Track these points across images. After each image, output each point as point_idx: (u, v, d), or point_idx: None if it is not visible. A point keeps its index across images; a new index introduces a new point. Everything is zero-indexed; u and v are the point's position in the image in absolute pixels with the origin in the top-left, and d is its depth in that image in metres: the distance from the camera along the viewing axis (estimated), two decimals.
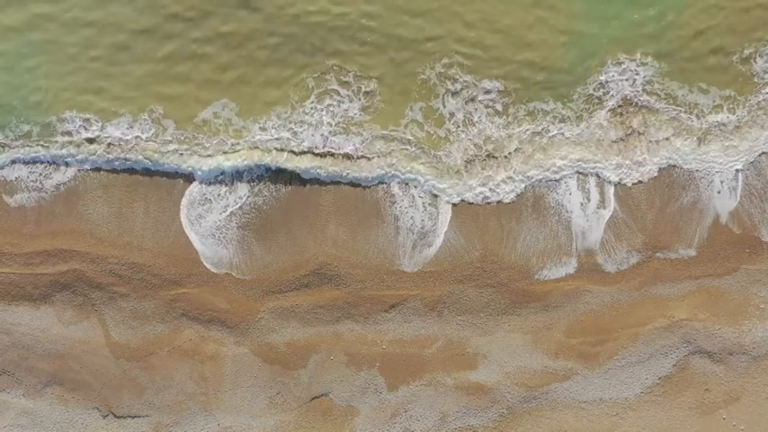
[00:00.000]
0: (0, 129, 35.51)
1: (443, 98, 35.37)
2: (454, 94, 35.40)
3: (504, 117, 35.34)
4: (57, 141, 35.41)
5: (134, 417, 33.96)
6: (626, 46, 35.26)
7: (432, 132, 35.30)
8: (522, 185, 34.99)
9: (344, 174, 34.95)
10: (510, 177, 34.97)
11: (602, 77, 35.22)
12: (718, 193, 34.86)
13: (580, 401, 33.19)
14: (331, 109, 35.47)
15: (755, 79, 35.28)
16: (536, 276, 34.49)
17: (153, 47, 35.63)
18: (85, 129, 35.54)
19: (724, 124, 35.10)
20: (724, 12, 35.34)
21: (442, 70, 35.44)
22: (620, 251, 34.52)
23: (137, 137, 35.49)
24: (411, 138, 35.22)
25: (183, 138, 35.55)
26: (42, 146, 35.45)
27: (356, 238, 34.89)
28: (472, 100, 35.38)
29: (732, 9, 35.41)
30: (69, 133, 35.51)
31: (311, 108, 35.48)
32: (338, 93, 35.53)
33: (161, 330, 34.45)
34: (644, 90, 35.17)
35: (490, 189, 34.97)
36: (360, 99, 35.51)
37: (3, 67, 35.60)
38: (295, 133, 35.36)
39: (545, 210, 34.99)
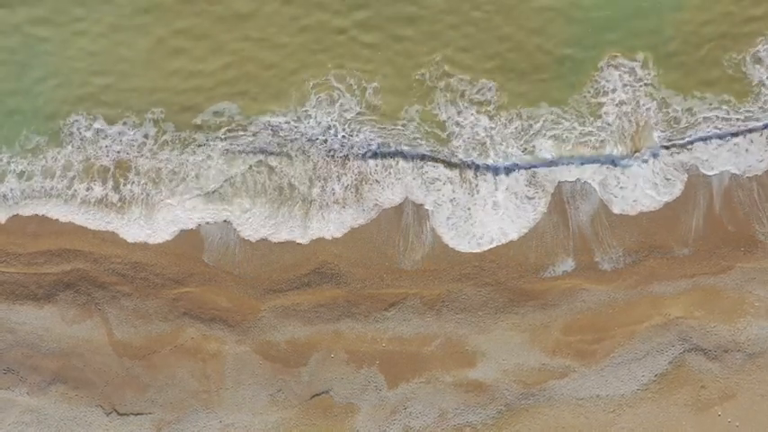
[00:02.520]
0: (10, 143, 36.01)
1: (438, 98, 35.75)
2: (449, 91, 35.79)
3: (497, 118, 35.73)
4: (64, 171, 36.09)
5: (137, 414, 34.24)
6: (623, 50, 35.70)
7: (436, 132, 35.72)
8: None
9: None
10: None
11: (600, 83, 35.62)
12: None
13: (577, 398, 33.44)
14: (331, 106, 35.91)
15: (753, 86, 35.56)
16: (534, 275, 34.81)
17: (157, 54, 36.27)
18: (90, 129, 36.12)
19: (726, 119, 35.40)
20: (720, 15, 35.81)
21: (436, 70, 35.91)
22: (616, 249, 34.86)
23: (141, 144, 35.98)
24: (417, 134, 35.68)
25: (180, 138, 35.95)
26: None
27: (356, 237, 35.26)
28: (462, 95, 35.74)
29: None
30: (77, 134, 36.07)
31: (312, 105, 35.94)
32: (340, 91, 35.95)
33: (163, 329, 34.77)
34: (644, 93, 35.53)
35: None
36: (361, 98, 35.91)
37: (13, 77, 36.20)
38: (299, 119, 35.80)
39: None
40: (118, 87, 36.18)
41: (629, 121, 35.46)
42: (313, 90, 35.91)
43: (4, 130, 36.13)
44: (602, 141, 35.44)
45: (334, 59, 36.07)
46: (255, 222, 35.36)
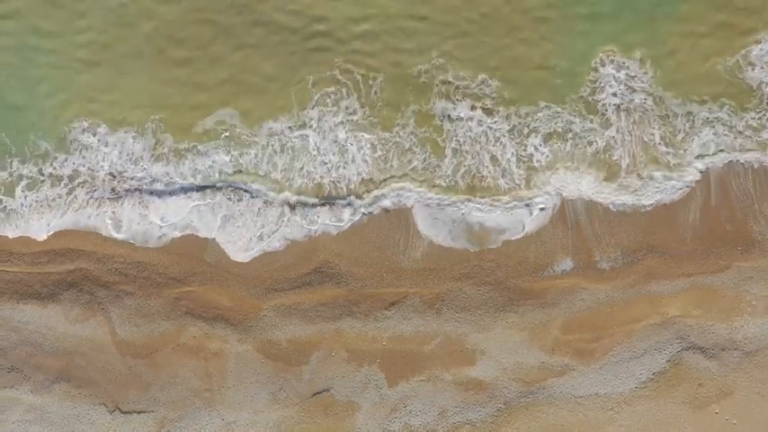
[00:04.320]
0: (19, 147, 36.42)
1: (436, 96, 36.02)
2: (445, 88, 36.07)
3: (495, 114, 36.02)
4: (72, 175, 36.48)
5: (140, 412, 34.49)
6: (621, 49, 35.99)
7: (433, 138, 35.98)
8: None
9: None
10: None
11: (597, 83, 35.87)
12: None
13: (576, 396, 33.66)
14: (333, 107, 36.19)
15: (754, 90, 35.74)
16: (533, 274, 35.02)
17: (158, 62, 36.64)
18: (94, 135, 36.52)
19: (727, 124, 35.58)
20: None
21: (435, 63, 36.21)
22: (614, 249, 35.05)
23: (139, 156, 36.31)
24: (414, 139, 35.91)
25: (178, 150, 36.23)
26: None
27: (356, 236, 35.51)
28: (459, 92, 35.99)
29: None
30: (82, 143, 36.46)
31: (314, 107, 36.22)
32: (347, 87, 36.25)
33: (166, 328, 35.03)
34: (640, 89, 35.75)
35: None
36: (366, 97, 36.20)
37: (17, 81, 36.65)
38: (303, 125, 36.07)
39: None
40: (120, 95, 36.54)
41: (629, 114, 35.68)
42: (314, 88, 36.17)
43: (12, 133, 36.51)
44: (606, 151, 35.70)
45: (337, 59, 36.39)
46: (247, 238, 35.75)
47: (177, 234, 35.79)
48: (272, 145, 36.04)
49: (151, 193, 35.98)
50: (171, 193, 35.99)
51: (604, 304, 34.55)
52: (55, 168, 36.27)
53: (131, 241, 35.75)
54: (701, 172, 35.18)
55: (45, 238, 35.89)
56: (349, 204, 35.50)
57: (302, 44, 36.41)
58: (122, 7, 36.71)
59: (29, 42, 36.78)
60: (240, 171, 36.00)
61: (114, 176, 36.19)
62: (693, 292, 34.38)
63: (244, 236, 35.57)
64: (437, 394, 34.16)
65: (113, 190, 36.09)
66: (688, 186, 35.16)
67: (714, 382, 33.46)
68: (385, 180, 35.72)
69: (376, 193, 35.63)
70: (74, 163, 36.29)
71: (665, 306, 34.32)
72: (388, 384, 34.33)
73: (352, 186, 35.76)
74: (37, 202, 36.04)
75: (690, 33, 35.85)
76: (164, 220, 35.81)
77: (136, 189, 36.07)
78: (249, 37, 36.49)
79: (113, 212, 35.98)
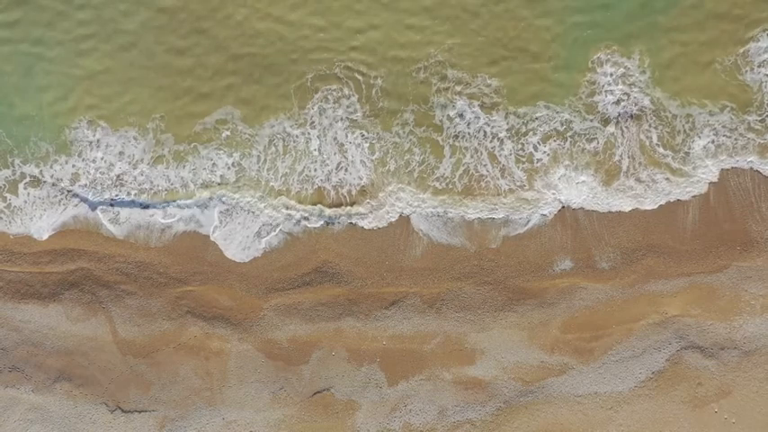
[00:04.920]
0: (20, 148, 36.52)
1: (435, 95, 36.12)
2: (445, 87, 36.18)
3: (494, 114, 36.10)
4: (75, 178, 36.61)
5: (141, 411, 34.63)
6: (620, 51, 36.07)
7: (432, 138, 36.06)
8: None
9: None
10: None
11: (595, 84, 35.93)
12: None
13: (575, 395, 33.78)
14: (334, 104, 36.28)
15: (753, 92, 35.79)
16: (533, 273, 35.11)
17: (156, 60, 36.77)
18: (94, 136, 36.62)
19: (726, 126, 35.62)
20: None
21: (434, 63, 36.31)
22: (614, 248, 35.13)
23: (139, 159, 36.43)
24: (413, 138, 36.01)
25: (178, 152, 36.33)
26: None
27: (357, 236, 35.61)
28: (458, 91, 36.08)
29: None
30: (80, 143, 36.60)
31: (314, 107, 36.30)
32: (349, 86, 36.33)
33: (167, 327, 35.15)
34: (638, 90, 35.81)
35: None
36: (368, 95, 36.28)
37: (19, 87, 36.81)
38: (304, 123, 36.17)
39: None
40: (121, 99, 36.63)
41: (627, 116, 35.74)
42: (314, 86, 36.24)
43: (14, 135, 36.62)
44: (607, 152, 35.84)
45: (337, 58, 36.51)
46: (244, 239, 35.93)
47: (181, 227, 35.86)
48: (275, 144, 36.11)
49: (148, 206, 36.11)
50: (169, 203, 36.11)
51: (604, 303, 34.64)
52: (56, 170, 36.40)
53: (132, 241, 35.89)
54: (710, 183, 35.22)
55: (46, 237, 36.01)
56: (351, 221, 35.63)
57: (303, 53, 36.55)
58: (124, 16, 36.77)
59: (31, 51, 36.87)
60: (241, 184, 36.01)
61: (114, 180, 36.27)
62: (692, 292, 34.47)
63: (243, 233, 35.65)
64: (437, 393, 34.28)
65: (113, 196, 36.24)
66: (692, 192, 35.28)
67: (713, 381, 33.57)
68: (384, 189, 35.82)
69: (375, 202, 35.78)
70: (74, 165, 36.42)
71: (664, 305, 34.42)
72: (389, 383, 34.44)
73: (353, 192, 35.81)
74: (39, 199, 36.18)
75: (689, 38, 35.86)
76: (166, 215, 35.90)
77: (137, 203, 36.16)
78: (248, 46, 36.58)
79: (111, 205, 36.09)
